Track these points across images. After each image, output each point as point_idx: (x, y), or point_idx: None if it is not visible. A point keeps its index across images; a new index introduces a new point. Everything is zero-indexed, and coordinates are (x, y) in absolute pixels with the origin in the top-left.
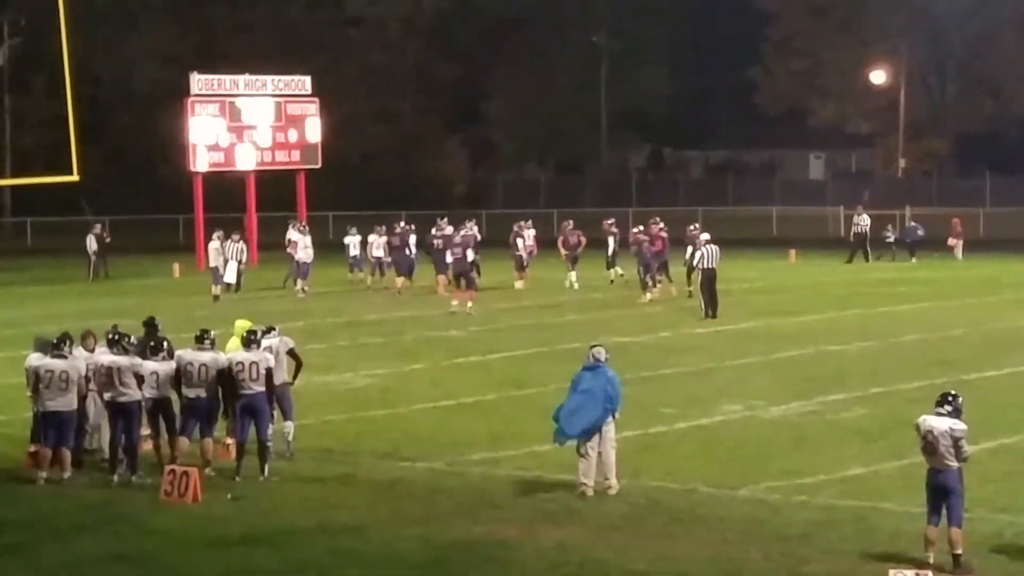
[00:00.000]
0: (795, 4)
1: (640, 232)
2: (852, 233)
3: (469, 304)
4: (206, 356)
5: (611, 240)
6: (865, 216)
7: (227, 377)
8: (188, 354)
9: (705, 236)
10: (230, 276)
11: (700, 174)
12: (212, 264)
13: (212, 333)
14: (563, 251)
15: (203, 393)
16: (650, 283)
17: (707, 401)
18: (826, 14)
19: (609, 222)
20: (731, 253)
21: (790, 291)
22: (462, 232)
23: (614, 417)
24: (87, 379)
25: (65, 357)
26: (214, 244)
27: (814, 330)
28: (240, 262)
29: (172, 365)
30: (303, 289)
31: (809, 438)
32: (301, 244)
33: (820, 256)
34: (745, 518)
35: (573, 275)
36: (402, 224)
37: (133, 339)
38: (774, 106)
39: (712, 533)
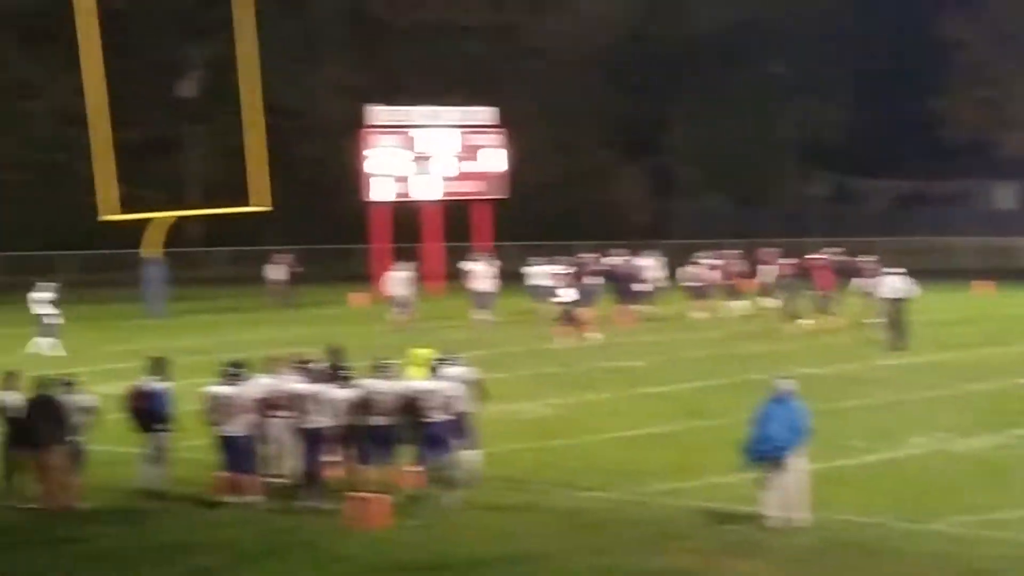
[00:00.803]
0: (981, 32)
1: (795, 262)
2: None
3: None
4: (388, 384)
5: (772, 270)
6: None
7: (411, 405)
8: (370, 382)
9: (894, 269)
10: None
11: (884, 204)
12: (395, 293)
13: (393, 362)
14: (730, 281)
15: (386, 421)
16: (804, 314)
17: (894, 434)
18: (1014, 40)
19: (769, 251)
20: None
21: (977, 323)
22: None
23: (801, 449)
24: (272, 405)
25: (237, 384)
26: (400, 274)
27: (1004, 363)
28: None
29: (356, 393)
30: (486, 319)
31: (999, 472)
32: (483, 274)
33: (1010, 287)
34: (935, 553)
35: (738, 304)
36: (589, 256)
37: (318, 367)
38: (960, 135)
39: (901, 567)
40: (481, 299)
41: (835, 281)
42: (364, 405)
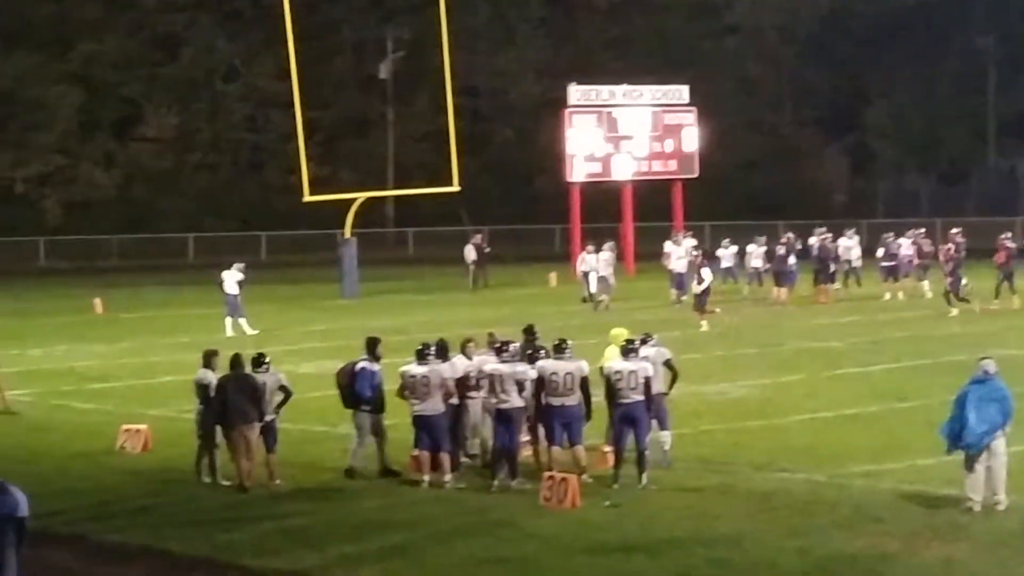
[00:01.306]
0: None
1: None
2: None
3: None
4: (570, 365)
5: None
6: None
7: (606, 385)
8: (551, 364)
9: None
10: (594, 286)
11: None
12: (600, 273)
13: (569, 342)
14: (922, 260)
15: (568, 401)
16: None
17: None
18: None
19: (955, 231)
20: None
21: None
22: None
23: (1004, 431)
24: (469, 386)
25: (427, 363)
26: (604, 255)
27: None
28: (604, 272)
29: (548, 372)
30: (679, 299)
31: None
32: (675, 255)
33: None
34: None
35: (924, 284)
36: (788, 235)
37: (512, 346)
38: None
39: None
40: (678, 279)
41: (1012, 262)
42: (551, 385)
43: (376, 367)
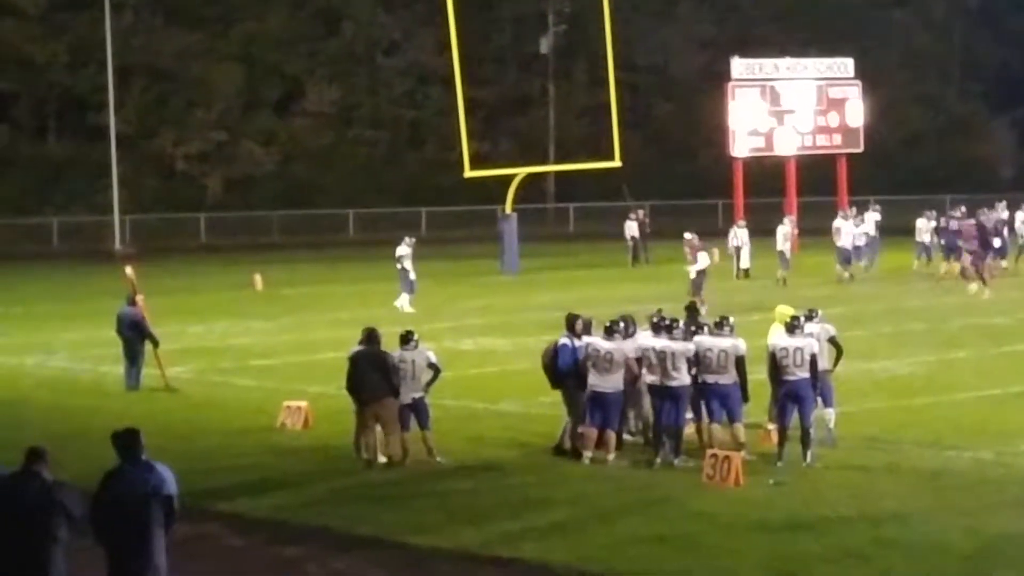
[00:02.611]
0: None
1: None
2: None
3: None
4: (725, 342)
5: None
6: None
7: (771, 362)
8: (707, 340)
9: None
10: (745, 262)
11: None
12: (778, 248)
13: (731, 319)
14: None
15: (721, 379)
16: None
17: None
18: None
19: None
20: None
21: None
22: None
23: None
24: (639, 363)
25: (614, 339)
26: (783, 228)
27: None
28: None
29: (715, 350)
30: (848, 275)
31: None
32: (844, 230)
33: None
34: None
35: None
36: (962, 209)
37: (676, 323)
38: None
39: None
40: (845, 255)
41: None
42: (707, 363)
43: (577, 343)
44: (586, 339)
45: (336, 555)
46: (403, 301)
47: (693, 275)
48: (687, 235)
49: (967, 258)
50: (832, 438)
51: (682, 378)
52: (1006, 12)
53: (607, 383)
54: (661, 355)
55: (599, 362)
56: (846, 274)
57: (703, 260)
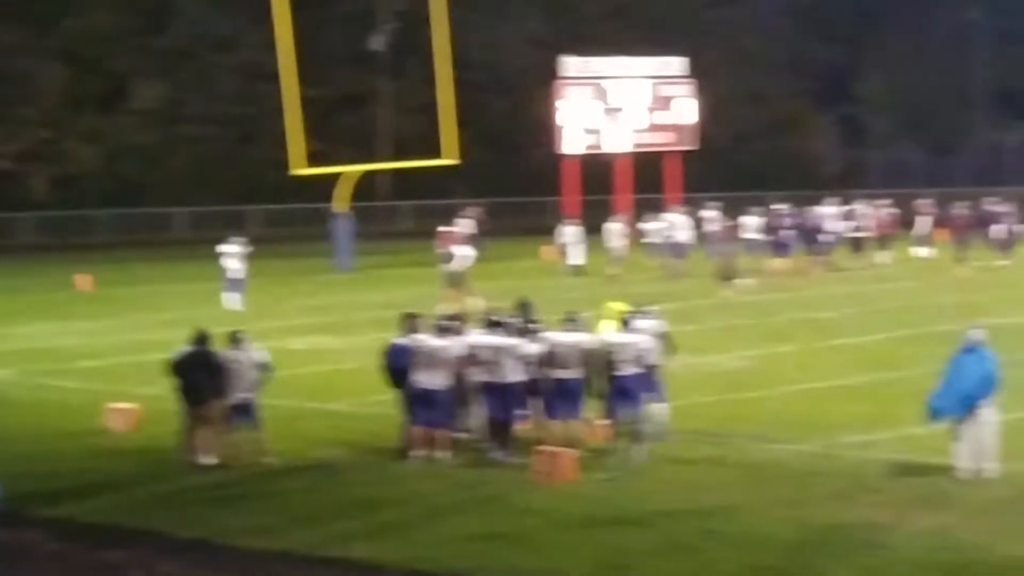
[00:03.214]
0: None
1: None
2: None
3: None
4: (574, 338)
5: (925, 220)
6: None
7: (598, 358)
8: (557, 336)
9: None
10: (576, 259)
11: None
12: (610, 245)
13: (582, 314)
14: (884, 232)
15: (572, 374)
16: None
17: None
18: None
19: (923, 202)
20: None
21: None
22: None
23: (991, 400)
24: (467, 361)
25: (447, 337)
26: (615, 225)
27: None
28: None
29: (542, 346)
30: (678, 271)
31: None
32: (680, 226)
33: None
34: None
35: (885, 255)
36: (780, 206)
37: (508, 321)
38: None
39: None
40: (677, 250)
41: (968, 231)
42: (549, 359)
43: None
44: (413, 337)
45: (163, 559)
46: (232, 300)
47: (452, 268)
48: (448, 228)
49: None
50: (663, 432)
51: (510, 375)
52: (832, 12)
53: (434, 381)
54: (494, 352)
55: (426, 360)
56: (677, 270)
57: (463, 254)
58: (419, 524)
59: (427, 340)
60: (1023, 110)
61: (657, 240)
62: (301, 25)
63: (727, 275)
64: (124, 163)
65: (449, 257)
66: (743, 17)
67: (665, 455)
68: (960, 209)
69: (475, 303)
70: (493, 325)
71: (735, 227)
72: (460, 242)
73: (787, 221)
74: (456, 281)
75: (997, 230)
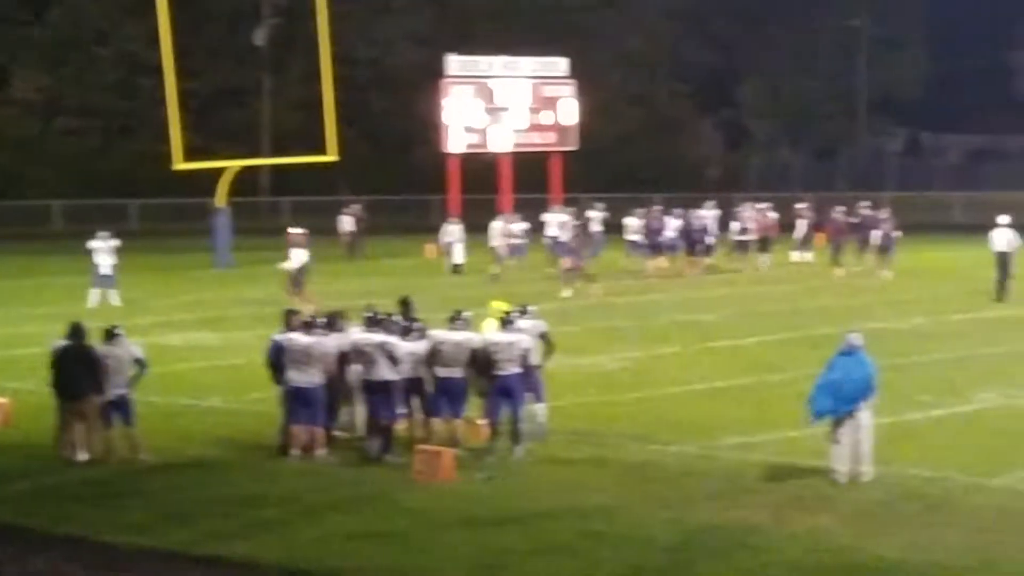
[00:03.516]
0: None
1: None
2: None
3: None
4: (460, 336)
5: (802, 224)
6: None
7: (481, 357)
8: (442, 334)
9: (1003, 219)
10: (458, 258)
11: (958, 159)
12: (492, 244)
13: (466, 313)
14: (764, 235)
15: (456, 373)
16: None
17: (963, 389)
18: None
19: (800, 206)
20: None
21: None
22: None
23: (869, 403)
24: (345, 358)
25: (312, 334)
26: (497, 224)
27: None
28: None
29: (425, 345)
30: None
31: None
32: (562, 226)
33: None
34: (1000, 507)
35: (765, 258)
36: (658, 208)
37: (389, 318)
38: None
39: (967, 521)
40: (560, 250)
41: (845, 235)
42: (434, 357)
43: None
44: (286, 335)
45: (36, 555)
46: (105, 296)
47: (289, 269)
48: (290, 229)
49: (568, 260)
50: (542, 432)
51: (387, 373)
52: (713, 16)
53: (306, 378)
54: (373, 349)
55: (298, 357)
56: (560, 269)
57: (298, 256)
58: (297, 523)
59: (299, 338)
60: (904, 116)
61: (517, 241)
62: (184, 19)
63: (580, 277)
64: (2, 154)
65: (285, 258)
66: (626, 19)
67: (545, 455)
68: (837, 214)
69: (307, 306)
70: (374, 323)
71: (586, 228)
72: (297, 244)
73: (668, 223)
74: (294, 282)
75: (875, 235)
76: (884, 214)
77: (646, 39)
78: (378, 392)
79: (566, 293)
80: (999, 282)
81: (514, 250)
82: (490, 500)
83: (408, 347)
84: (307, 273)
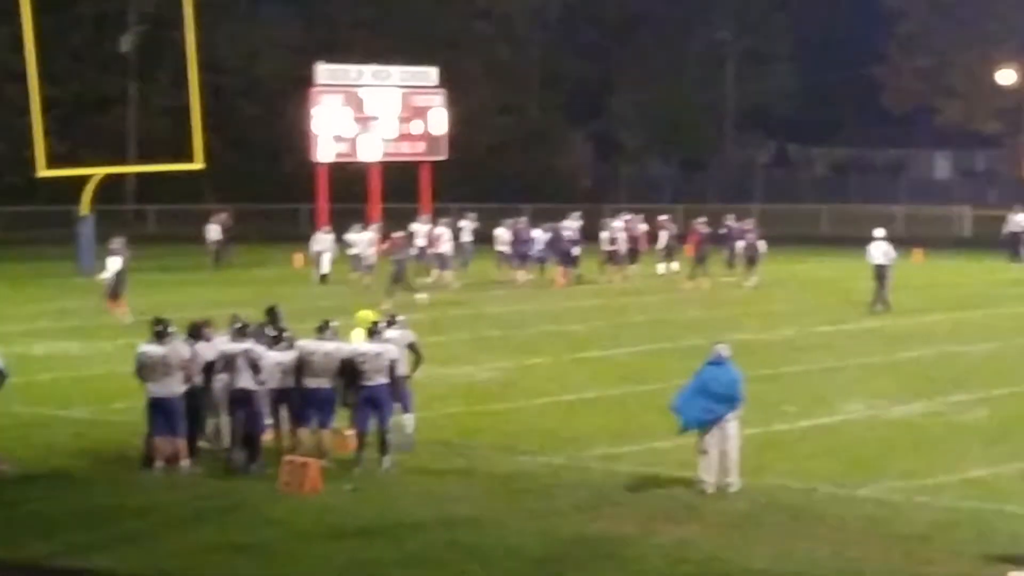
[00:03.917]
0: (921, 1)
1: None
2: (1007, 232)
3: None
4: (329, 346)
5: (664, 235)
6: (1021, 216)
7: (349, 368)
8: (310, 344)
9: (879, 232)
10: (326, 267)
11: (825, 171)
12: (361, 254)
13: (334, 323)
14: (633, 246)
15: (324, 384)
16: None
17: (829, 400)
18: (952, 12)
19: (663, 218)
20: (855, 251)
21: (915, 290)
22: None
23: (736, 414)
24: (207, 367)
25: (166, 342)
26: (367, 234)
27: (938, 330)
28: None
29: (293, 355)
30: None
31: (931, 439)
32: (432, 236)
33: (946, 255)
34: (866, 517)
35: (635, 269)
36: (521, 219)
37: (256, 328)
38: (900, 104)
39: (833, 532)
40: (441, 261)
41: (708, 246)
42: (300, 367)
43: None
44: (141, 346)
45: None
46: None
47: (105, 279)
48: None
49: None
50: (410, 443)
51: (253, 383)
52: (584, 27)
53: (165, 389)
54: (231, 359)
55: (155, 367)
56: (428, 280)
57: (113, 265)
58: (161, 534)
59: (151, 348)
60: (772, 128)
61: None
62: (49, 25)
63: (403, 284)
64: None
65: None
66: (496, 30)
67: (413, 466)
68: (700, 225)
69: (122, 316)
70: (240, 332)
71: (410, 236)
72: (113, 252)
73: (535, 234)
74: (111, 291)
75: (740, 246)
76: (748, 225)
77: (516, 49)
78: (242, 402)
79: (386, 304)
80: (878, 294)
81: (356, 263)
82: (357, 511)
83: (275, 357)
84: (124, 283)
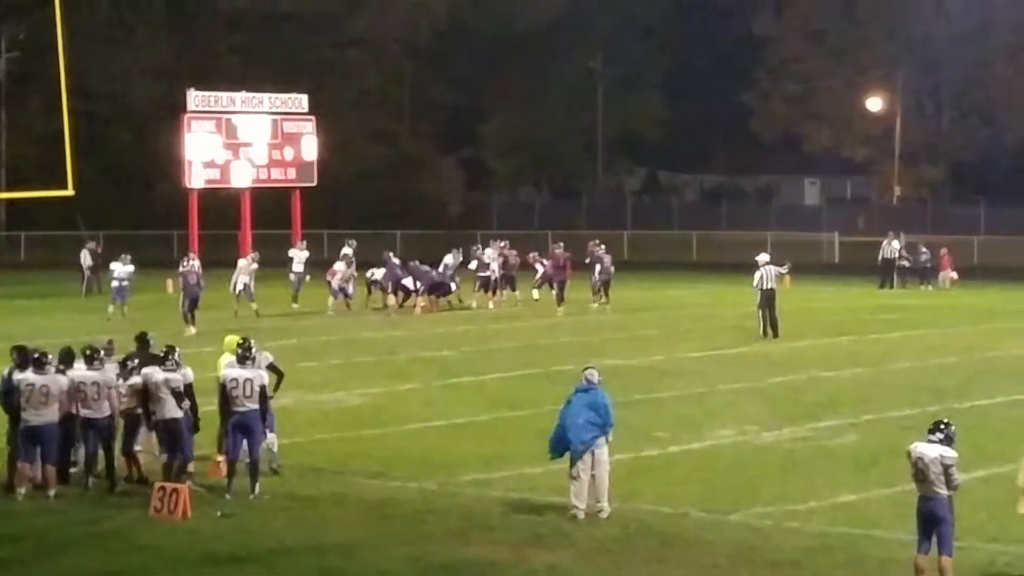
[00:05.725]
0: (791, 29)
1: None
2: (881, 258)
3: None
4: (169, 374)
5: (539, 265)
6: (896, 243)
7: (220, 393)
8: (152, 372)
9: (763, 257)
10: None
11: (695, 198)
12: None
13: (178, 350)
14: (507, 272)
15: (170, 412)
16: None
17: (699, 425)
18: (822, 40)
19: (534, 254)
20: (725, 278)
21: (784, 316)
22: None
23: (607, 440)
24: (75, 395)
25: (45, 372)
26: (244, 262)
27: (807, 356)
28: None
29: (157, 380)
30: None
31: (801, 464)
32: (297, 260)
33: (814, 282)
34: (736, 543)
35: (504, 295)
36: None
37: (107, 354)
38: (770, 131)
39: (703, 557)
40: (296, 285)
41: (568, 272)
42: (147, 394)
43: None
44: (18, 374)
45: None
46: None
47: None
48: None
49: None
50: (276, 463)
51: (104, 409)
52: (454, 55)
53: (41, 417)
54: (82, 387)
55: (33, 396)
56: (295, 305)
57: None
58: (33, 561)
59: (31, 376)
60: (642, 156)
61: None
62: None
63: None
64: None
65: None
66: (366, 57)
67: (284, 492)
68: (557, 251)
69: None
70: (89, 360)
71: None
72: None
73: (408, 261)
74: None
75: (598, 270)
76: (600, 250)
77: (387, 77)
78: (94, 429)
79: (190, 332)
80: (766, 319)
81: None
82: (229, 537)
83: (138, 383)
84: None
